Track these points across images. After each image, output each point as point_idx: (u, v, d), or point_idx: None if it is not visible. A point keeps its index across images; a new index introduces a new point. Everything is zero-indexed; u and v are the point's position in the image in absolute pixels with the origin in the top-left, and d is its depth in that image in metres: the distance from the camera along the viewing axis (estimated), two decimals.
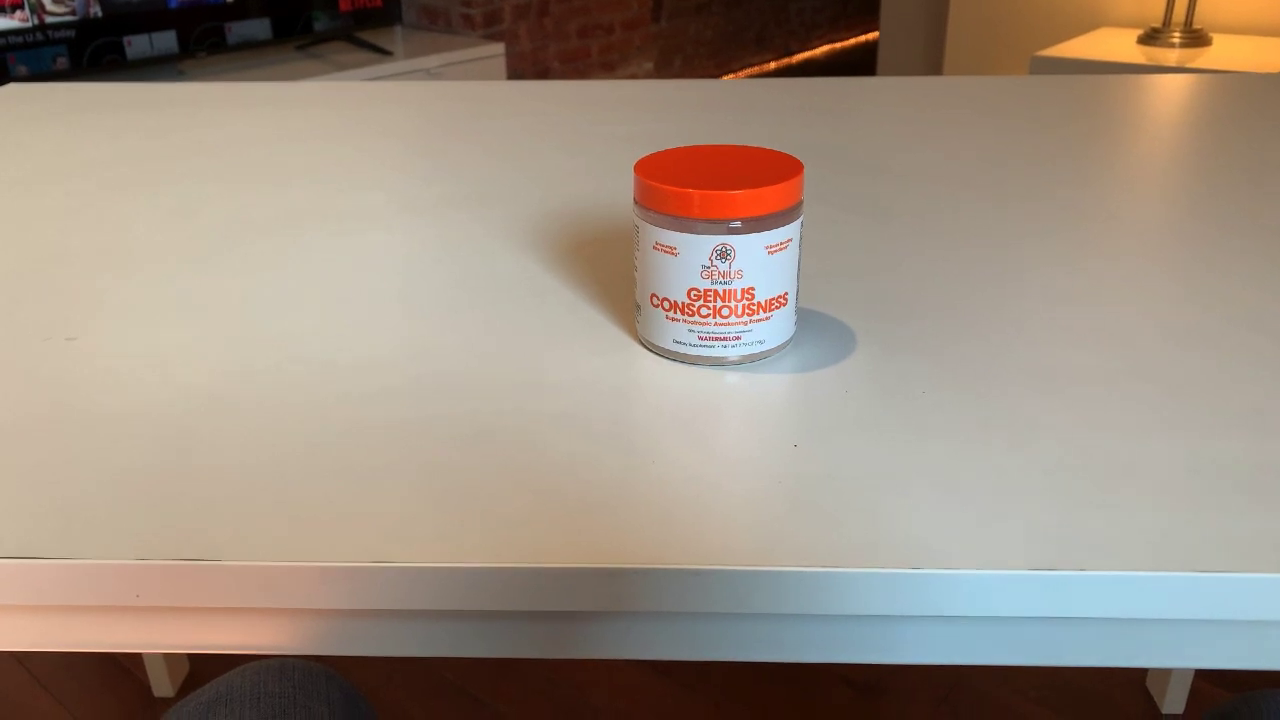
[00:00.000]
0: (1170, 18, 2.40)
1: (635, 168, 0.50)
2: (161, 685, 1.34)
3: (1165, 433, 0.46)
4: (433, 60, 2.59)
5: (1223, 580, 0.38)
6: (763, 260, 0.49)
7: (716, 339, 0.51)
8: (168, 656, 1.33)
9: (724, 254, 0.48)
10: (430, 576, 0.39)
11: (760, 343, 0.51)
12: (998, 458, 0.44)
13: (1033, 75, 1.08)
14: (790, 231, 0.50)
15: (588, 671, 1.36)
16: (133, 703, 1.33)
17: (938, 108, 0.97)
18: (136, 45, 2.28)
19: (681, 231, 0.48)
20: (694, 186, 0.48)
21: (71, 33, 2.19)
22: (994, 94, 1.01)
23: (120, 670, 1.38)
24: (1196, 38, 2.37)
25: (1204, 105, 0.97)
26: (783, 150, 0.85)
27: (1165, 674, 1.29)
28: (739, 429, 0.47)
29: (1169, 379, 0.50)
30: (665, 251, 0.49)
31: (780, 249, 0.49)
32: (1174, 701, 1.28)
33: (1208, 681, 1.32)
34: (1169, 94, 1.01)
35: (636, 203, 0.50)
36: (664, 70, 3.73)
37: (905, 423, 0.47)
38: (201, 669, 1.38)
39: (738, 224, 0.48)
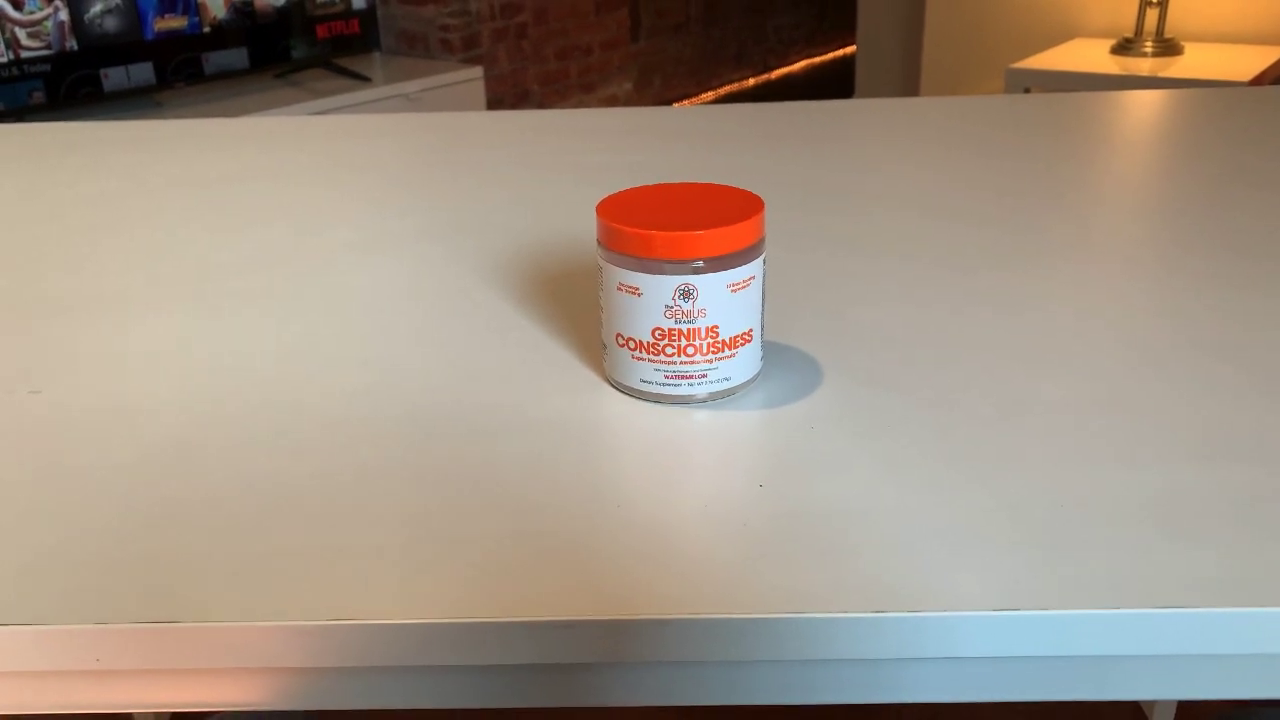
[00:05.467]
0: (1142, 28, 2.42)
1: (597, 209, 0.50)
2: None
3: (1134, 464, 0.46)
4: (412, 85, 2.59)
5: (1198, 616, 0.38)
6: (726, 298, 0.49)
7: (683, 377, 0.51)
8: None
9: (687, 293, 0.49)
10: (395, 633, 0.39)
11: (726, 380, 0.51)
12: (965, 494, 0.44)
13: (1004, 95, 1.08)
14: (753, 269, 0.50)
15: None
16: None
17: (908, 132, 0.97)
18: (113, 78, 2.28)
19: (644, 272, 0.49)
20: (655, 227, 0.48)
21: (47, 67, 2.18)
22: (965, 115, 1.02)
23: (103, 716, 1.36)
24: (1168, 47, 2.39)
25: (1174, 121, 0.98)
26: (753, 179, 0.85)
27: None
28: (706, 469, 0.47)
29: (1140, 409, 0.50)
30: (629, 292, 0.49)
31: (743, 286, 0.50)
32: (1164, 712, 1.28)
33: None
34: (1141, 111, 1.02)
35: (600, 244, 0.50)
36: (643, 90, 3.74)
37: (872, 459, 0.47)
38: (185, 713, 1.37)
39: (700, 264, 0.48)
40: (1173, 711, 1.28)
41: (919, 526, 0.42)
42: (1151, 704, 1.29)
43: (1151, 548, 0.41)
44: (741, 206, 0.50)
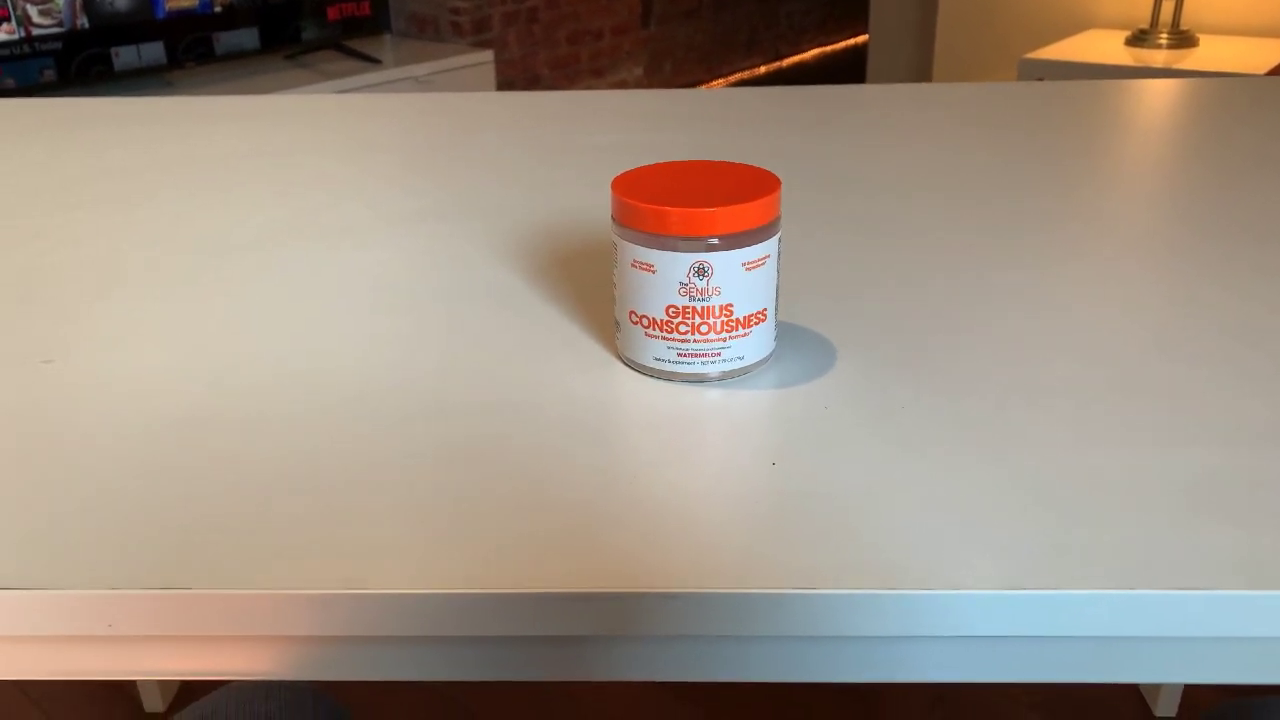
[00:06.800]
0: (1157, 19, 2.41)
1: (612, 185, 0.50)
2: (152, 700, 1.33)
3: (1148, 447, 0.46)
4: (422, 68, 2.59)
5: (1209, 598, 0.38)
6: (741, 277, 0.49)
7: (696, 355, 0.51)
8: None
9: (702, 271, 0.48)
10: (410, 603, 0.39)
11: (740, 359, 0.51)
12: (979, 474, 0.44)
13: (1018, 82, 1.08)
14: (768, 248, 0.49)
15: (581, 682, 1.36)
16: (124, 719, 1.32)
17: (922, 117, 0.97)
18: (124, 56, 2.28)
19: (659, 249, 0.48)
20: (671, 204, 0.48)
21: (59, 44, 2.18)
22: (979, 102, 1.01)
23: (112, 686, 1.37)
24: (1184, 39, 2.37)
25: (1191, 109, 0.97)
26: (767, 161, 0.85)
27: None
28: (719, 447, 0.47)
29: (1153, 391, 0.50)
30: (643, 269, 0.49)
31: (758, 265, 0.49)
32: (1167, 704, 1.28)
33: (1201, 684, 1.32)
34: (1156, 99, 1.01)
35: (614, 220, 0.50)
36: (654, 75, 3.73)
37: (885, 439, 0.47)
38: (193, 684, 1.37)
39: (715, 241, 0.48)
40: (1175, 705, 1.28)
41: (930, 506, 0.42)
42: (1155, 695, 1.29)
43: (1166, 529, 0.41)
44: (757, 184, 0.50)
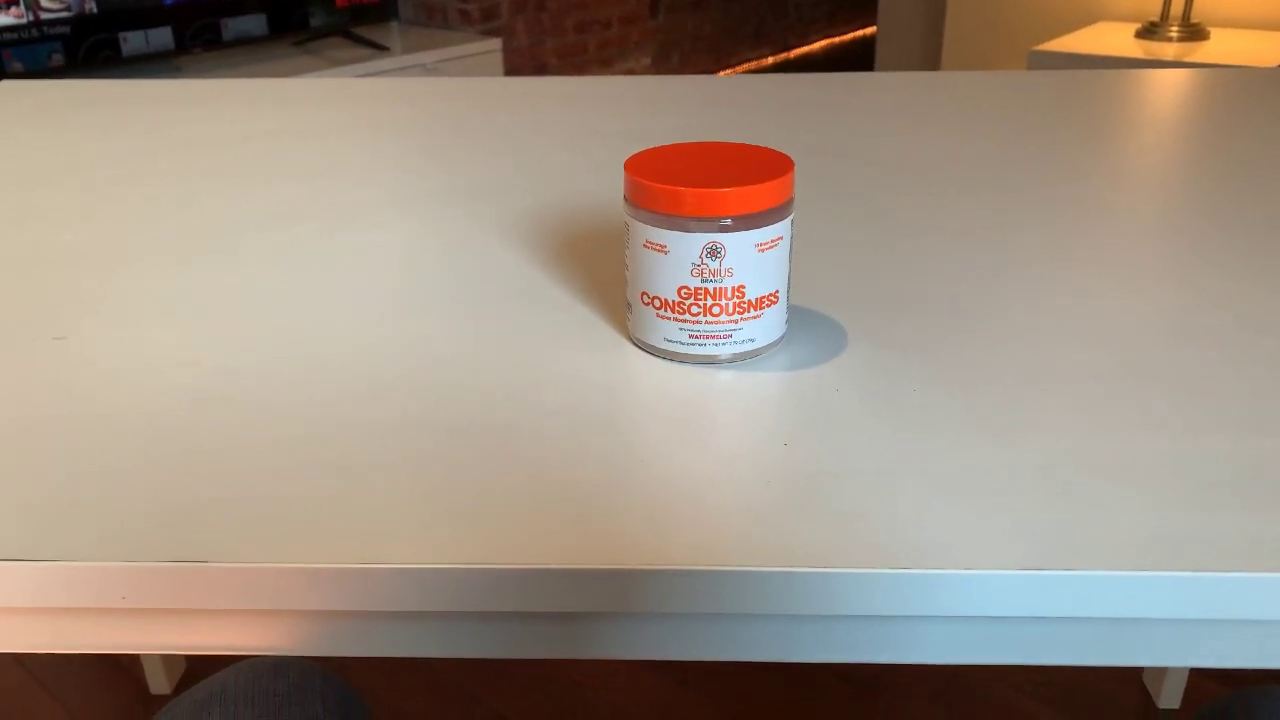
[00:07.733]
0: (1168, 12, 2.39)
1: (625, 165, 0.50)
2: (158, 683, 1.34)
3: (1158, 431, 0.46)
4: (430, 56, 2.58)
5: (1218, 580, 0.38)
6: (753, 258, 0.49)
7: (707, 337, 0.51)
8: (164, 654, 1.33)
9: (714, 252, 0.48)
10: (420, 578, 0.39)
11: (751, 341, 0.51)
12: (990, 456, 0.44)
13: (1029, 70, 1.07)
14: (781, 229, 0.49)
15: (585, 668, 1.36)
16: (129, 700, 1.33)
17: (933, 103, 0.96)
18: (132, 41, 2.28)
19: (672, 229, 0.48)
20: (684, 184, 0.48)
21: (67, 29, 2.18)
22: (990, 89, 1.01)
23: (117, 668, 1.38)
24: (1194, 32, 2.36)
25: (1201, 100, 0.97)
26: (778, 146, 0.85)
27: (1161, 669, 1.29)
28: (730, 428, 0.47)
29: (1163, 376, 0.50)
30: (655, 249, 0.49)
31: (771, 246, 0.49)
32: (1170, 696, 1.28)
33: (1203, 676, 1.32)
34: (1166, 89, 1.01)
35: (627, 200, 0.50)
36: (661, 66, 3.72)
37: (896, 421, 0.47)
38: (199, 667, 1.38)
39: (728, 221, 0.48)
40: (1179, 697, 1.28)
41: (940, 488, 0.42)
42: (1158, 687, 1.29)
43: (1176, 512, 0.41)
44: (771, 166, 0.49)
